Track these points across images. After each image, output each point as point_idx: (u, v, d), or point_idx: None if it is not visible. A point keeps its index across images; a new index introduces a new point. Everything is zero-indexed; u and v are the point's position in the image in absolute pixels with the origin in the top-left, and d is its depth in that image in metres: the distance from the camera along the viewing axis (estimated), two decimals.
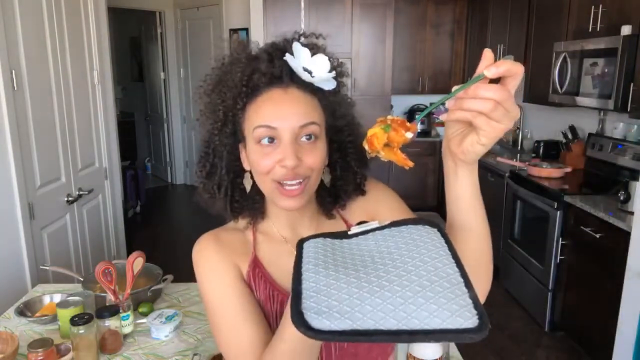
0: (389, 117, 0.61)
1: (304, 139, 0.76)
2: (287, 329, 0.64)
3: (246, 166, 0.83)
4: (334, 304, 0.47)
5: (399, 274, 0.49)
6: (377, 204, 0.90)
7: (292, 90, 0.77)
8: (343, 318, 0.45)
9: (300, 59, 0.77)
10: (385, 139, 0.59)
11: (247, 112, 0.78)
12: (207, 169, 0.84)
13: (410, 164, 0.61)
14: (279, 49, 0.78)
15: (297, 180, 0.75)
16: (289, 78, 0.77)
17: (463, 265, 0.51)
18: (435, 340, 0.45)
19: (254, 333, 0.78)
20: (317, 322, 0.45)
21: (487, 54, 0.57)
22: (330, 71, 0.78)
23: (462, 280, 0.48)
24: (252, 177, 0.82)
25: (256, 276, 0.83)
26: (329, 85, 0.79)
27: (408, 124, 0.60)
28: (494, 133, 0.58)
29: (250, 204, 0.86)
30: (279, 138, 0.75)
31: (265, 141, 0.76)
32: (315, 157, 0.76)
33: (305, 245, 0.58)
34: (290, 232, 0.86)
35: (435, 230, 0.57)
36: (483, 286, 0.75)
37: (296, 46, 0.77)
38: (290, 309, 0.49)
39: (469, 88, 0.56)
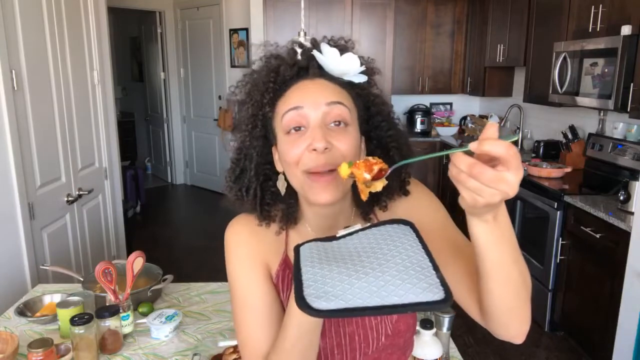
0: (371, 157, 0.67)
1: (332, 125, 0.74)
2: (289, 324, 0.70)
3: (279, 168, 0.81)
4: (329, 289, 0.56)
5: (379, 263, 0.59)
6: (420, 209, 0.83)
7: (319, 80, 0.78)
8: (337, 299, 0.55)
9: (329, 58, 0.77)
10: (350, 173, 0.66)
11: (277, 108, 0.78)
12: (236, 173, 0.83)
13: (363, 198, 0.66)
14: (306, 46, 0.79)
15: (328, 169, 0.73)
16: (316, 71, 0.78)
17: (431, 253, 0.60)
18: (411, 311, 0.54)
19: (273, 336, 0.77)
20: (317, 303, 0.55)
21: (489, 128, 0.51)
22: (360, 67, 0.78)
23: (430, 265, 0.58)
24: (285, 179, 0.80)
25: (285, 277, 0.83)
26: (359, 78, 0.79)
27: (375, 169, 0.64)
28: (471, 201, 0.53)
29: (283, 207, 0.83)
30: (306, 124, 0.74)
31: (293, 130, 0.75)
32: (347, 141, 0.74)
33: (302, 248, 0.66)
34: (326, 234, 0.82)
35: (408, 227, 0.66)
36: (514, 328, 0.69)
37: (324, 46, 0.77)
38: (294, 295, 0.57)
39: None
